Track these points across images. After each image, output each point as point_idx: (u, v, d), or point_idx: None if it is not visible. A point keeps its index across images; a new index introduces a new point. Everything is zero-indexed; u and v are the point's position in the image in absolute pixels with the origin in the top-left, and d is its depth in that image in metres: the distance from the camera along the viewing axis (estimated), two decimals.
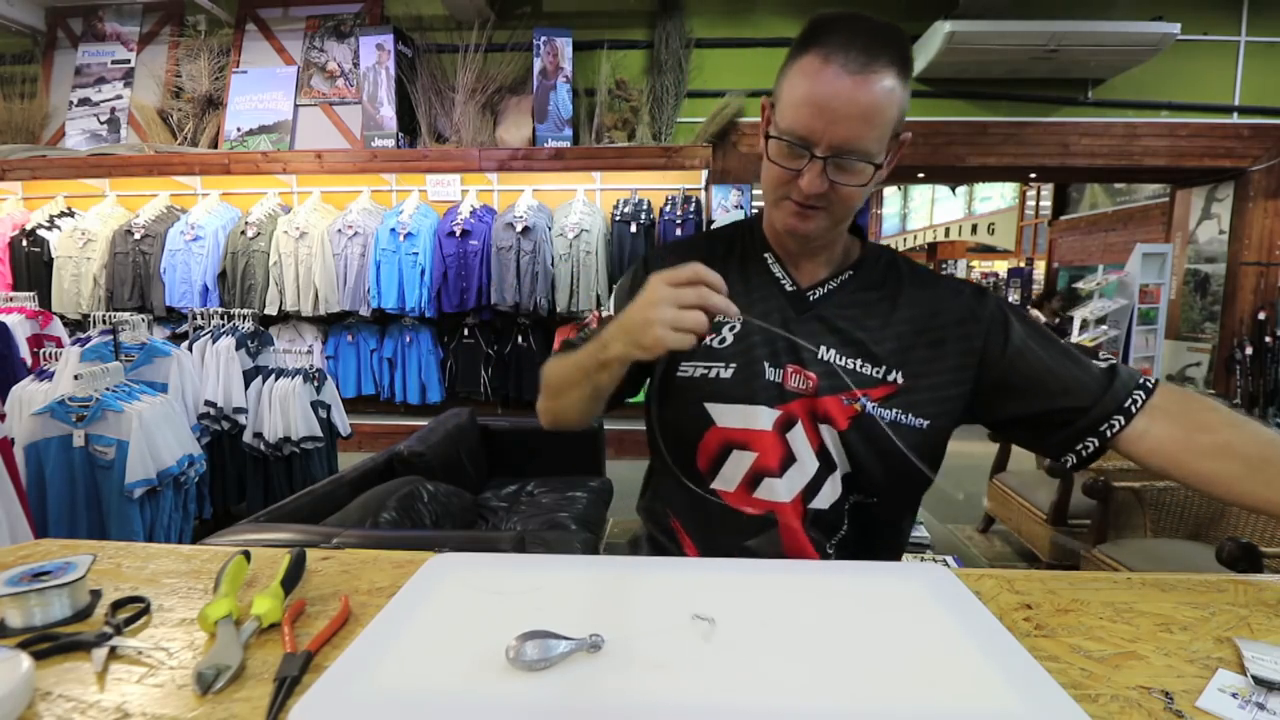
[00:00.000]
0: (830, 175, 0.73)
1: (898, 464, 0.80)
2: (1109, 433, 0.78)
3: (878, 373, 0.81)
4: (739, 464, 0.83)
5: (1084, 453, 0.80)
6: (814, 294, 0.85)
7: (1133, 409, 0.77)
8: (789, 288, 0.86)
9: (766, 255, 0.89)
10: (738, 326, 0.85)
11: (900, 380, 0.80)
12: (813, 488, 0.82)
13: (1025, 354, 0.81)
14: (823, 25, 0.72)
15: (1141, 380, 0.80)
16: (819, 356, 0.81)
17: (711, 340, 0.85)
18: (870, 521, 0.85)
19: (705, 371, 0.84)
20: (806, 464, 0.81)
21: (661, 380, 0.88)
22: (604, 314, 0.93)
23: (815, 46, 0.71)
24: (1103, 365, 0.81)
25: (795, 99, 0.72)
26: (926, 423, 0.80)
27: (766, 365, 0.82)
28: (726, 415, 0.83)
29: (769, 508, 0.82)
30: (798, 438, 0.81)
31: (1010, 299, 7.86)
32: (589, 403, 0.84)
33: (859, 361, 0.81)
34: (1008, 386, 0.81)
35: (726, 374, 0.83)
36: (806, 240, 0.82)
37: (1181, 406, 0.78)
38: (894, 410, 0.80)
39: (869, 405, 0.79)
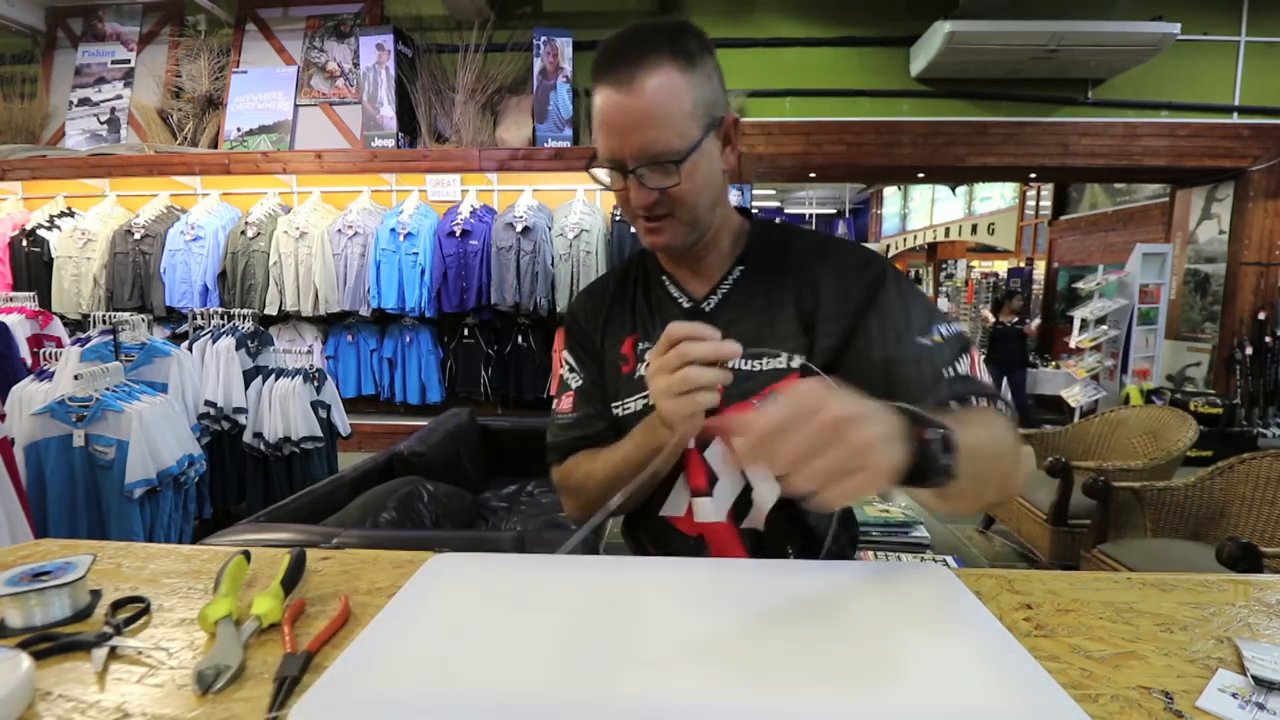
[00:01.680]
0: (649, 184, 0.72)
1: None
2: None
3: (780, 363, 0.78)
4: (682, 487, 0.83)
5: None
6: (708, 304, 0.84)
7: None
8: (685, 305, 0.85)
9: (663, 277, 0.87)
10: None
11: (801, 365, 0.78)
12: (741, 507, 0.81)
13: (883, 340, 0.76)
14: (599, 51, 0.73)
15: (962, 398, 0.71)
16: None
17: (641, 370, 0.83)
18: (814, 540, 0.83)
19: (645, 400, 0.82)
20: (731, 481, 0.81)
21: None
22: (572, 393, 0.90)
23: (596, 75, 0.72)
24: (940, 371, 0.73)
25: (596, 129, 0.73)
26: None
27: None
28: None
29: (700, 529, 0.83)
30: (715, 455, 0.81)
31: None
32: (645, 491, 0.81)
33: (764, 360, 0.79)
34: (857, 367, 0.77)
35: None
36: (672, 251, 0.81)
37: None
38: None
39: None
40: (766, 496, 0.80)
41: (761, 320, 0.80)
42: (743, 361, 0.78)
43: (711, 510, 0.81)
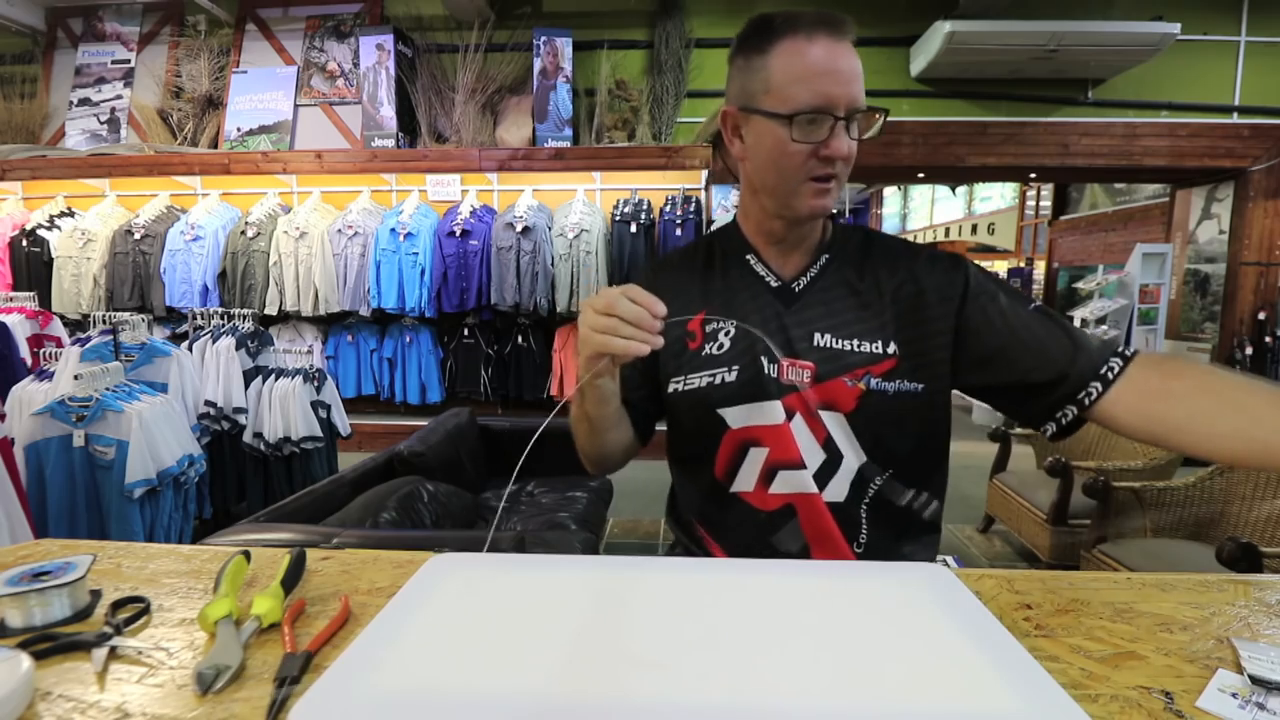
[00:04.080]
0: (853, 134, 0.78)
1: (910, 434, 0.84)
2: (1087, 400, 0.77)
3: (876, 348, 0.83)
4: (755, 462, 0.85)
5: (1063, 420, 0.79)
6: (798, 284, 0.88)
7: (1109, 375, 0.76)
8: (774, 283, 0.88)
9: (749, 256, 0.90)
10: (732, 331, 0.86)
11: (897, 351, 0.82)
12: (822, 478, 0.84)
13: (1002, 320, 0.81)
14: (784, 16, 0.79)
15: (1119, 348, 0.78)
16: (814, 344, 0.84)
17: (709, 349, 0.87)
18: (893, 514, 0.86)
19: (711, 379, 0.86)
20: (812, 456, 0.83)
21: (666, 400, 0.91)
22: None
23: (790, 33, 0.77)
24: (1077, 332, 0.81)
25: (798, 77, 0.76)
26: (922, 386, 0.82)
27: (765, 361, 0.84)
28: (738, 416, 0.85)
29: (787, 500, 0.84)
30: (800, 429, 0.84)
31: None
32: (596, 436, 0.87)
33: (855, 341, 0.83)
34: (986, 354, 0.82)
35: (731, 377, 0.85)
36: (817, 217, 0.85)
37: (1157, 368, 0.76)
38: (897, 381, 0.82)
39: (874, 382, 0.82)
40: (851, 466, 0.84)
41: (854, 304, 0.85)
42: (835, 340, 0.83)
43: (797, 482, 0.84)
